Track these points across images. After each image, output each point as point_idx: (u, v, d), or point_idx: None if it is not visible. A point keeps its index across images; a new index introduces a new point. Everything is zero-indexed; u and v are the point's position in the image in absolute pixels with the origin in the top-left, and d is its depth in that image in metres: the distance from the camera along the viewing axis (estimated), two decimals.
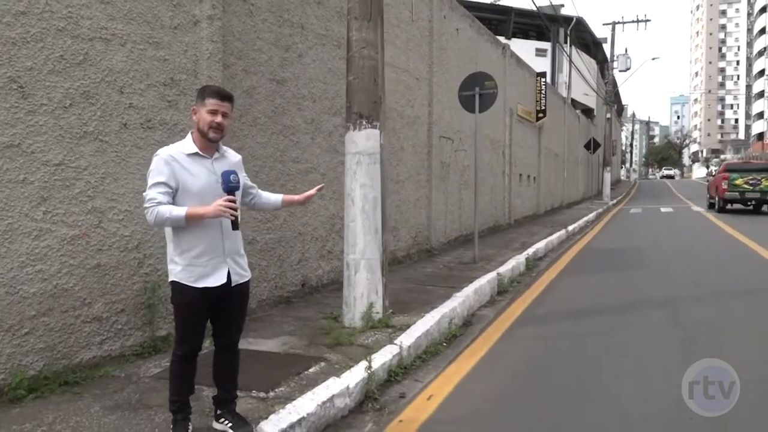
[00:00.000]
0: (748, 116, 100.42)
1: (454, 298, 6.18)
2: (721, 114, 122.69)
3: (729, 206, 20.38)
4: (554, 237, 12.43)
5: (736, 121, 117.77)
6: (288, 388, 3.73)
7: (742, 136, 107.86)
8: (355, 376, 3.90)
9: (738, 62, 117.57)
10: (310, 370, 4.04)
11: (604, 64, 37.18)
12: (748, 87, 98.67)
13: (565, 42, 33.09)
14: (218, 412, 3.12)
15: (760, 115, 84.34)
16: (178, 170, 2.74)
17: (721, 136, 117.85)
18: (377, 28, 5.16)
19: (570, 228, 14.61)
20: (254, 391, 3.64)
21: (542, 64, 30.83)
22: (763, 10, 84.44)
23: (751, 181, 18.78)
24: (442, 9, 10.64)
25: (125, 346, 4.25)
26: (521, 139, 17.08)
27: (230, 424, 3.05)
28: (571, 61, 29.98)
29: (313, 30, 6.58)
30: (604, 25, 32.38)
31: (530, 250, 10.09)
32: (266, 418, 3.19)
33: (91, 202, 4.01)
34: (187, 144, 2.84)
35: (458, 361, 4.79)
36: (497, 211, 14.65)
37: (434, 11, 10.12)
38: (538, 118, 19.02)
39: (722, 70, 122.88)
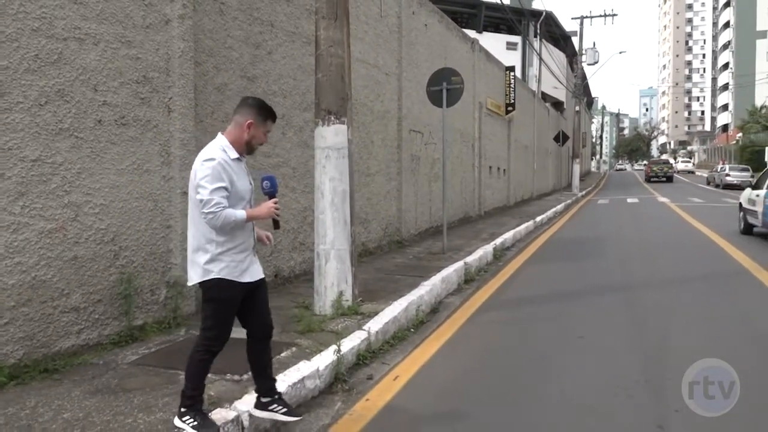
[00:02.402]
0: (713, 108, 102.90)
1: (422, 286, 6.45)
2: (688, 106, 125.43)
3: (652, 180, 42.62)
4: (522, 228, 12.80)
5: (703, 113, 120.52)
6: None
7: (708, 127, 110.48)
8: (324, 359, 4.13)
9: (704, 55, 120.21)
10: (282, 354, 4.26)
11: (573, 58, 37.83)
12: (714, 80, 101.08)
13: (535, 36, 33.62)
14: (264, 400, 3.17)
15: (725, 108, 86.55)
16: (231, 174, 2.86)
17: (688, 128, 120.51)
18: (344, 27, 5.36)
19: (538, 219, 15.02)
20: (228, 374, 3.84)
21: (513, 58, 31.30)
22: (727, 4, 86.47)
23: (657, 168, 43.36)
24: (411, 5, 10.86)
25: (102, 335, 4.41)
26: (491, 132, 17.44)
27: (284, 410, 3.15)
28: (540, 57, 30.49)
29: (282, 27, 6.75)
30: (572, 19, 32.93)
31: (498, 241, 10.42)
32: (240, 398, 3.41)
33: (67, 196, 4.15)
34: (229, 149, 2.92)
35: (424, 345, 5.05)
36: (467, 202, 14.98)
37: (403, 7, 10.34)
38: (507, 112, 19.40)
39: (689, 63, 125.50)
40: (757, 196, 11.04)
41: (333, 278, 5.42)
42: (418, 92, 10.85)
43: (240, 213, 2.84)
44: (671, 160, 58.68)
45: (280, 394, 3.25)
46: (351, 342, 4.54)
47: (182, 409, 2.97)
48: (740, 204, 12.19)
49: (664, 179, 41.40)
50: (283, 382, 3.65)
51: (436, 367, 4.50)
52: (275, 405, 3.18)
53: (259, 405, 3.19)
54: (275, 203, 2.95)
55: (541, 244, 11.34)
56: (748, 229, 11.89)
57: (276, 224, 3.16)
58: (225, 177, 2.81)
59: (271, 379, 3.24)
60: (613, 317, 5.87)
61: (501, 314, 6.13)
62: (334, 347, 4.25)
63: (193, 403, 2.98)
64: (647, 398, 3.78)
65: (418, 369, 4.42)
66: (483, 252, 9.09)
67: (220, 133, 2.98)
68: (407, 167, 10.64)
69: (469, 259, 8.31)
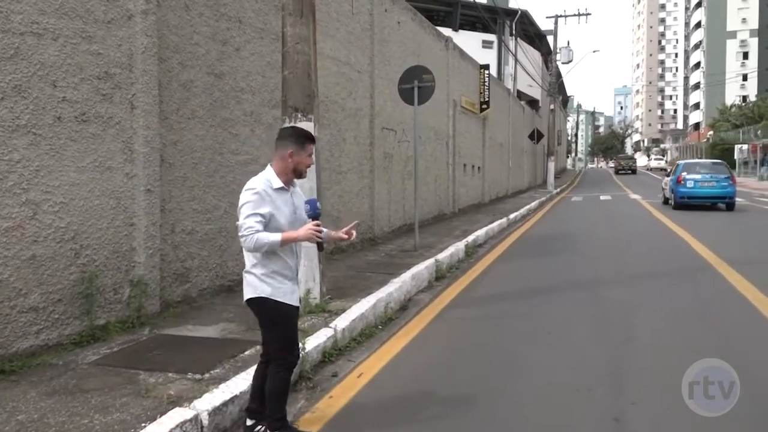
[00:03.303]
0: (686, 107, 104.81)
1: (391, 283, 6.46)
2: (661, 105, 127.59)
3: (620, 172, 52.87)
4: (495, 225, 12.90)
5: (675, 111, 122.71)
6: (223, 369, 3.92)
7: (680, 125, 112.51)
8: None
9: (676, 55, 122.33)
10: (246, 352, 4.24)
11: (548, 57, 38.20)
12: (686, 79, 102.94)
13: (511, 35, 33.86)
14: (249, 423, 3.22)
15: (696, 106, 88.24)
16: (270, 204, 3.01)
17: (661, 126, 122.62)
18: (310, 24, 5.34)
19: (512, 216, 15.15)
20: (190, 373, 3.81)
21: (489, 56, 31.45)
22: (698, 5, 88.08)
23: (624, 163, 55.11)
24: (384, 2, 10.87)
25: (63, 335, 4.34)
26: (465, 130, 17.53)
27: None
28: (516, 55, 30.73)
29: (251, 24, 6.70)
30: (547, 18, 33.25)
31: (470, 238, 10.49)
32: (200, 397, 3.38)
33: (25, 194, 4.07)
34: (273, 179, 3.08)
35: (391, 342, 5.07)
36: (441, 200, 15.04)
37: (375, 5, 10.33)
38: (482, 110, 19.51)
39: (662, 62, 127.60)
40: (667, 182, 19.32)
41: (301, 276, 5.38)
42: (390, 90, 10.85)
43: (275, 236, 2.96)
44: (636, 156, 75.72)
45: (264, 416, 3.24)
46: (317, 340, 4.54)
47: (256, 427, 3.16)
48: (662, 186, 18.98)
49: (630, 171, 53.58)
50: (245, 380, 3.63)
51: (402, 364, 4.52)
52: (260, 426, 3.21)
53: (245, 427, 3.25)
54: (316, 225, 3.05)
55: (513, 241, 11.44)
56: (665, 201, 19.39)
57: (319, 246, 3.33)
58: (263, 205, 2.98)
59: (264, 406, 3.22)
60: (580, 313, 5.95)
61: (470, 311, 6.17)
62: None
63: (282, 424, 3.13)
64: (607, 392, 3.85)
65: (383, 366, 4.44)
66: (455, 249, 9.15)
67: (270, 166, 3.13)
68: (380, 165, 10.65)
69: (441, 256, 8.35)
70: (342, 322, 5.01)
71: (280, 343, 3.12)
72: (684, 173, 17.46)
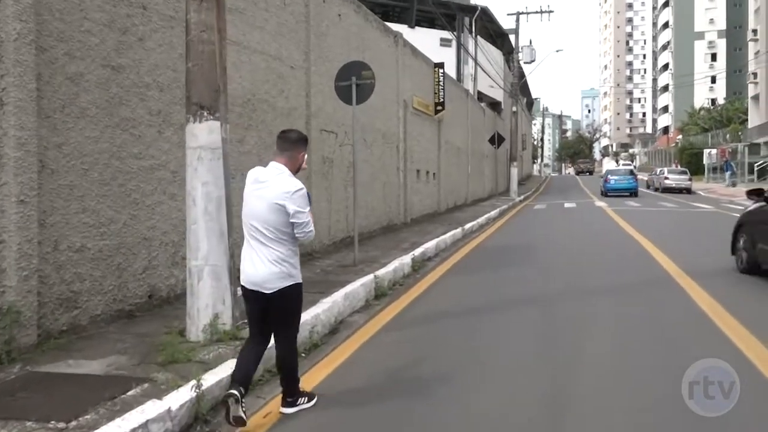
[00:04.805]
0: (654, 110, 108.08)
1: (320, 304, 6.15)
2: (630, 108, 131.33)
3: (580, 174, 73.90)
4: (448, 236, 12.73)
5: (644, 114, 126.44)
6: (96, 415, 3.52)
7: (649, 129, 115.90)
8: (181, 396, 3.76)
9: (645, 56, 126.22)
10: (129, 393, 3.85)
11: (509, 56, 38.64)
12: (654, 81, 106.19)
13: (470, 33, 34.08)
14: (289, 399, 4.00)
15: (665, 109, 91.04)
16: None
17: (630, 130, 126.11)
18: (214, 9, 5.01)
19: (467, 226, 15.04)
20: (53, 421, 3.40)
21: (448, 55, 31.54)
22: (666, 4, 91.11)
23: (584, 166, 79.13)
24: None
25: None
26: (418, 133, 17.39)
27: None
28: (475, 55, 30.94)
29: (158, 11, 6.32)
30: (508, 15, 33.66)
31: (418, 251, 10.27)
32: None
33: None
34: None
35: (311, 372, 4.75)
36: (391, 209, 14.81)
37: None
38: (437, 111, 19.44)
39: (630, 63, 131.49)
40: (604, 178, 32.61)
41: (207, 298, 5.03)
42: (330, 88, 10.53)
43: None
44: (604, 161, 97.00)
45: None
46: (220, 374, 4.19)
47: (289, 399, 3.95)
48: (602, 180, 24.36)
49: (588, 173, 72.68)
50: (119, 428, 3.26)
51: (319, 400, 4.20)
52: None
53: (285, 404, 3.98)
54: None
55: (466, 254, 11.28)
56: (604, 193, 30.50)
57: None
58: None
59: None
60: (526, 332, 5.77)
61: (407, 333, 5.91)
62: (194, 382, 3.88)
63: (298, 387, 4.00)
64: (545, 416, 3.65)
65: None
66: (399, 263, 8.90)
67: (281, 164, 3.80)
68: (318, 171, 10.33)
69: (382, 271, 8.09)
70: None
71: (298, 325, 4.03)
72: (609, 176, 32.70)
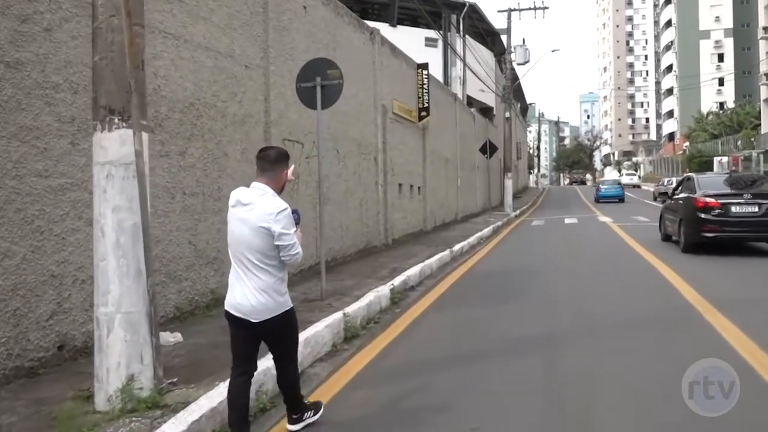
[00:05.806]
0: (658, 115, 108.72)
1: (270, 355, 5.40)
2: (632, 113, 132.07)
3: (573, 183, 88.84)
4: (434, 260, 12.05)
5: (647, 120, 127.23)
6: None
7: (654, 136, 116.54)
8: None
9: (646, 57, 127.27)
10: None
11: (501, 57, 38.32)
12: (657, 83, 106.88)
13: (458, 32, 33.70)
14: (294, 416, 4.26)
15: (670, 114, 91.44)
16: None
17: (633, 137, 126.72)
18: None
19: (457, 247, 14.38)
20: None
21: (434, 56, 31.13)
22: (668, 1, 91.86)
23: (577, 176, 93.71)
24: None
25: None
26: (400, 143, 16.75)
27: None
28: (464, 56, 30.51)
29: None
30: (499, 12, 33.37)
31: (399, 279, 9.57)
32: None
33: None
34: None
35: None
36: (370, 229, 14.11)
37: None
38: (420, 118, 18.84)
39: (631, 65, 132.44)
40: (596, 188, 43.51)
41: (119, 356, 4.28)
42: (294, 91, 9.89)
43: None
44: (605, 171, 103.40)
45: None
46: None
47: (294, 416, 4.18)
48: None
49: (581, 183, 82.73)
50: None
51: None
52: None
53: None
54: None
55: (454, 281, 10.58)
56: (597, 199, 39.45)
57: None
58: None
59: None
60: (523, 390, 5.04)
61: (376, 392, 5.16)
62: None
63: (303, 403, 4.24)
64: None
65: None
66: (375, 296, 8.18)
67: (264, 185, 3.83)
68: None
69: (354, 307, 7.37)
70: (176, 426, 3.91)
71: (295, 344, 4.17)
72: (600, 185, 41.71)
